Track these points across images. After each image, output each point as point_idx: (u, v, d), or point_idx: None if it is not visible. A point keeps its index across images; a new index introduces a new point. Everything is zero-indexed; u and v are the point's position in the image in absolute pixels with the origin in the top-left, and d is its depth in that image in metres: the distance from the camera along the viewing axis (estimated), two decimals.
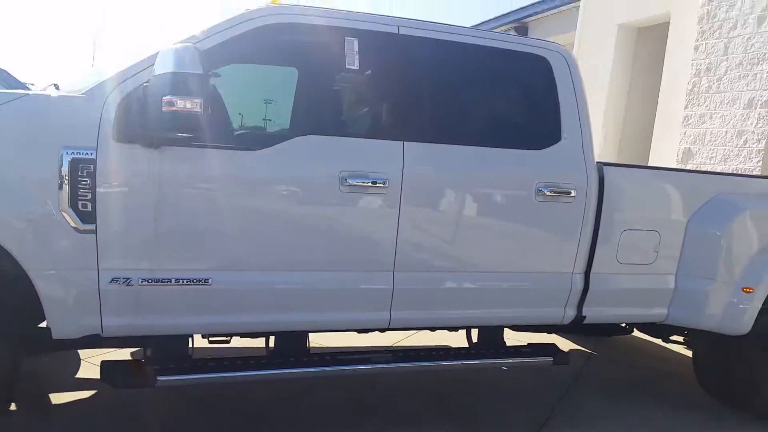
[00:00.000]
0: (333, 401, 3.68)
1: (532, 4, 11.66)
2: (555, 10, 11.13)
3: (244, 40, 2.86)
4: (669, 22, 8.20)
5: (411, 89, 3.16)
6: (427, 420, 3.54)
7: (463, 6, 13.94)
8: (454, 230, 3.16)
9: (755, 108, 6.62)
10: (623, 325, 4.03)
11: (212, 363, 2.94)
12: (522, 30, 12.15)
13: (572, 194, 3.30)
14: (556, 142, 3.35)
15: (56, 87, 3.56)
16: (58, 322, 2.59)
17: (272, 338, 3.17)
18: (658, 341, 4.42)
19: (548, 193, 3.25)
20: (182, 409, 3.45)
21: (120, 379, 2.83)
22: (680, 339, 4.29)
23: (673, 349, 5.06)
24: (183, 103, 2.36)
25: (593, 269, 3.42)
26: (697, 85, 7.26)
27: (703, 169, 6.77)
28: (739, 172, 6.26)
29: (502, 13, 12.62)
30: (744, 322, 3.53)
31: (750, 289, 3.51)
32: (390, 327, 3.15)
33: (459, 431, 3.43)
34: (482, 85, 3.42)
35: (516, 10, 12.17)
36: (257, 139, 3.12)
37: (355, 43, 3.04)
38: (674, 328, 3.85)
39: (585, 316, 3.48)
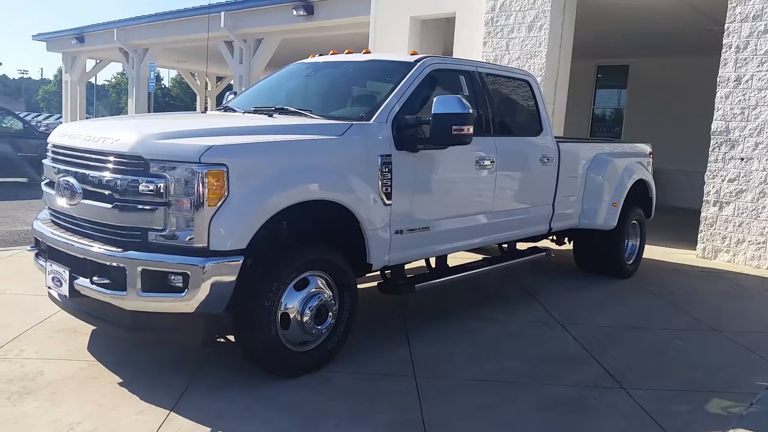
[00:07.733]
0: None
1: None
2: None
3: (425, 81, 4.74)
4: (453, 19, 11.21)
5: (489, 105, 5.35)
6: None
7: None
8: (512, 183, 5.52)
9: None
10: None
11: (424, 275, 4.93)
12: (308, 9, 14.01)
13: (552, 159, 5.92)
14: (541, 132, 5.91)
15: (225, 104, 4.99)
16: (375, 259, 4.29)
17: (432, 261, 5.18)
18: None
19: (545, 160, 5.82)
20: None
21: (395, 288, 4.62)
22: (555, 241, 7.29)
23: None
24: (467, 129, 4.27)
25: (556, 201, 6.13)
26: None
27: None
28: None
29: None
30: (614, 222, 6.64)
31: (616, 204, 6.61)
32: (488, 242, 5.44)
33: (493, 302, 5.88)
34: (511, 98, 5.80)
35: None
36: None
37: (463, 78, 5.14)
38: (570, 233, 6.81)
39: (552, 228, 6.19)
